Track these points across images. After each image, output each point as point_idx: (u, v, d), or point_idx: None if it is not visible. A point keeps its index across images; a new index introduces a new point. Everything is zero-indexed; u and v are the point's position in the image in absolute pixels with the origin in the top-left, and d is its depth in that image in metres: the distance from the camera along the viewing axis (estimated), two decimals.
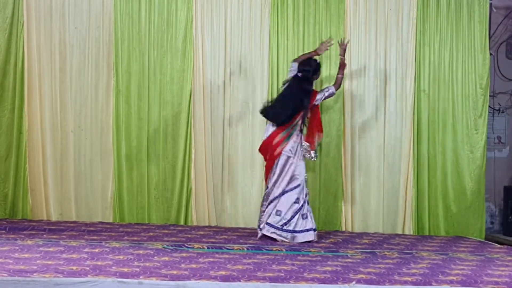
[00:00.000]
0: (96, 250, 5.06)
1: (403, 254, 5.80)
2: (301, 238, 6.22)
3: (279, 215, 6.22)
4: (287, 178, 6.27)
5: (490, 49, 7.85)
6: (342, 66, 6.54)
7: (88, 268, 4.30)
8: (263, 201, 6.41)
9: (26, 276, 3.98)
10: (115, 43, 7.32)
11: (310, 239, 6.24)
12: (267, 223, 6.25)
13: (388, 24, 7.60)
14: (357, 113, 7.57)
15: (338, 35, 7.49)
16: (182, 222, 7.32)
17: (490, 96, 7.89)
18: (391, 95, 7.62)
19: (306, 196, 6.33)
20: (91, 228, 6.56)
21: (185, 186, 7.37)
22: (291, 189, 6.26)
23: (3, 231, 6.03)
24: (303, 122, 6.37)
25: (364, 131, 7.58)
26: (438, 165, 7.64)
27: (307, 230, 6.26)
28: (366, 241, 6.66)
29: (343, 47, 6.59)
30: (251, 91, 7.47)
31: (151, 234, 6.33)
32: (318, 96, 6.41)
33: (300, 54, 7.00)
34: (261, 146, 6.46)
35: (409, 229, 7.55)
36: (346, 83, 7.51)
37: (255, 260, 5.01)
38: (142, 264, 4.58)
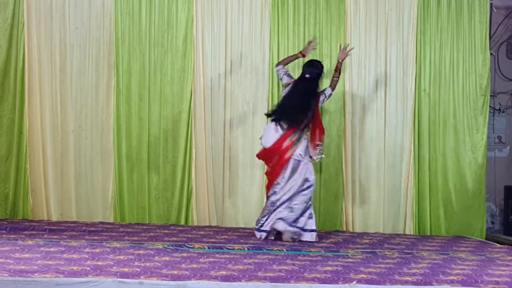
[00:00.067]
0: (97, 250, 5.07)
1: (403, 254, 5.79)
2: (306, 237, 6.22)
3: (292, 211, 6.20)
4: (300, 180, 6.21)
5: (490, 49, 7.85)
6: (338, 70, 6.52)
7: (88, 268, 4.30)
8: (269, 206, 6.26)
9: (27, 276, 3.97)
10: (116, 43, 7.32)
11: (312, 240, 6.24)
12: (279, 218, 6.19)
13: (388, 24, 7.60)
14: (357, 113, 7.57)
15: (339, 35, 7.51)
16: (182, 222, 7.32)
17: (490, 96, 7.89)
18: (391, 95, 7.62)
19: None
20: (92, 228, 6.56)
21: (186, 186, 7.37)
22: (304, 189, 6.24)
23: (4, 231, 6.03)
24: (309, 124, 6.34)
25: (364, 131, 7.58)
26: (439, 165, 7.64)
27: (312, 231, 6.27)
28: (367, 241, 6.66)
29: (344, 52, 6.57)
30: (252, 91, 7.47)
31: (152, 234, 6.33)
32: (321, 98, 6.42)
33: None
34: (266, 151, 6.31)
35: (410, 229, 7.55)
36: (346, 83, 7.52)
37: (256, 260, 5.01)
38: (142, 264, 4.58)
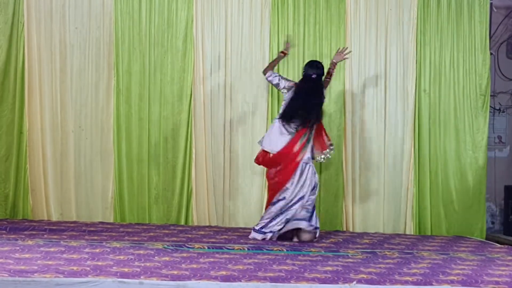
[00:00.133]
0: (97, 250, 5.06)
1: (403, 254, 5.79)
2: (317, 234, 6.30)
3: (308, 212, 6.22)
4: (308, 182, 6.21)
5: (490, 48, 7.85)
6: (330, 73, 6.51)
7: (88, 268, 4.30)
8: (276, 210, 6.21)
9: (27, 276, 3.97)
10: (116, 43, 7.32)
11: (317, 237, 6.31)
12: (298, 219, 6.18)
13: (388, 24, 7.60)
14: (357, 113, 7.57)
15: (339, 35, 7.51)
16: (182, 222, 7.32)
17: (490, 95, 7.89)
18: (391, 95, 7.62)
19: None
20: (92, 228, 6.56)
21: (186, 186, 7.37)
22: (313, 189, 6.27)
23: (4, 232, 6.03)
24: (315, 124, 6.31)
25: (364, 131, 7.58)
26: (439, 165, 7.64)
27: (317, 228, 6.34)
28: (367, 241, 6.66)
29: (341, 55, 6.56)
30: (252, 91, 7.46)
31: (152, 234, 6.33)
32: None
33: (300, 54, 7.04)
34: (274, 156, 6.21)
35: (410, 229, 7.55)
36: (346, 84, 7.52)
37: (256, 260, 5.01)
38: (142, 264, 4.58)
